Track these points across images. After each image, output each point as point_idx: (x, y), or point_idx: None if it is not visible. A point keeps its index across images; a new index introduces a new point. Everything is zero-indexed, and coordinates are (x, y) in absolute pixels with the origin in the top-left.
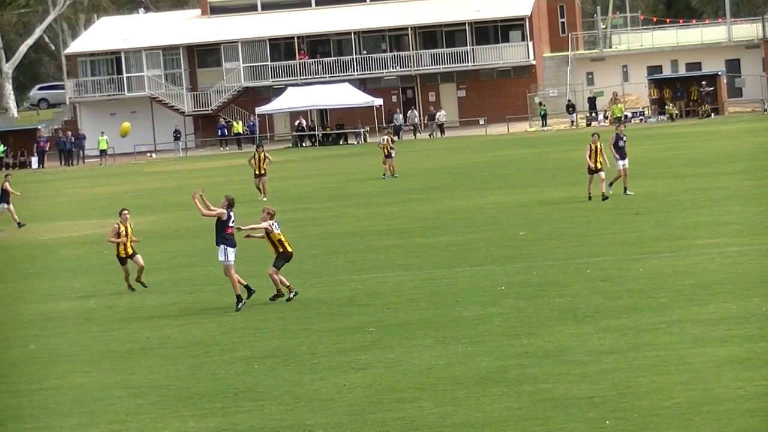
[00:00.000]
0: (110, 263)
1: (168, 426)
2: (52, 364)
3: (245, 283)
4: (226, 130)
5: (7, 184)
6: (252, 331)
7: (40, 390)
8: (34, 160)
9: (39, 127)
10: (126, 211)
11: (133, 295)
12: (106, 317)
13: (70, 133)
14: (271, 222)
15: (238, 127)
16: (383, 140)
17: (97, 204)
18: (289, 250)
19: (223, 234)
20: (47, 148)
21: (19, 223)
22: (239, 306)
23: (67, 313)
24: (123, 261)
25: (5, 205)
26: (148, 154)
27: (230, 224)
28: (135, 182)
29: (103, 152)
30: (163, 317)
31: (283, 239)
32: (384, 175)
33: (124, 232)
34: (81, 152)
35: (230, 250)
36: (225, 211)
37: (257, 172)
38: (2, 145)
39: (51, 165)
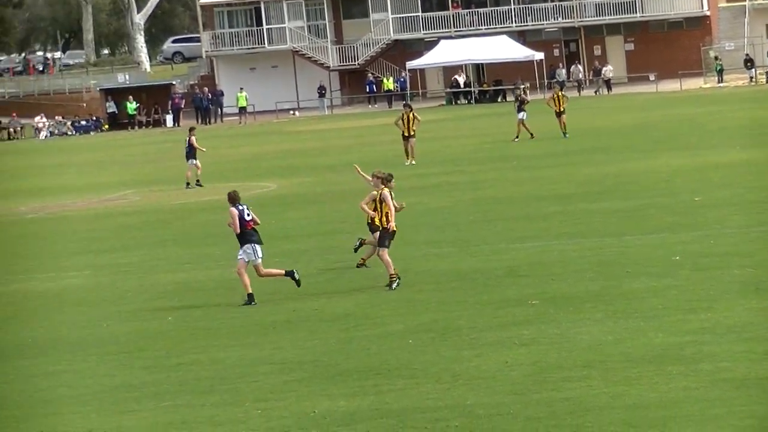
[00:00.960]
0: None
1: (316, 405)
2: (190, 337)
3: (284, 271)
4: (374, 87)
5: (193, 138)
6: (405, 304)
7: (178, 365)
8: (169, 118)
9: (173, 82)
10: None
11: (278, 264)
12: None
13: (206, 89)
14: (387, 191)
15: (388, 83)
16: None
17: (236, 165)
18: (395, 227)
19: (244, 231)
20: (182, 106)
21: (197, 182)
22: (251, 303)
23: (206, 283)
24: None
25: (193, 161)
26: (291, 112)
27: (247, 218)
28: (277, 142)
29: (242, 110)
30: (309, 288)
31: (393, 212)
32: (530, 136)
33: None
34: (218, 110)
35: (257, 246)
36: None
37: (405, 134)
38: (134, 102)
39: (187, 123)
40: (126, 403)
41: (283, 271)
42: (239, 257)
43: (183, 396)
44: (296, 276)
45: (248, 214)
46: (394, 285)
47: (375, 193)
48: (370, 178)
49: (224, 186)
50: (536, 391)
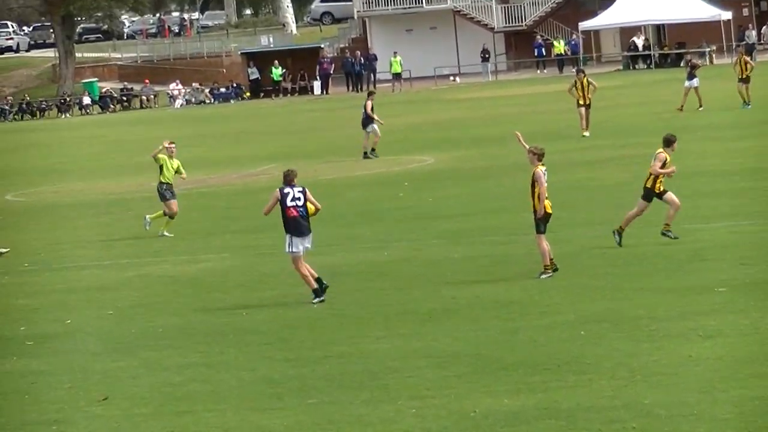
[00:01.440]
0: (405, 207)
1: (477, 403)
2: (338, 327)
3: (316, 276)
4: (543, 50)
5: (369, 103)
6: (577, 290)
7: (324, 358)
8: (317, 84)
9: (322, 46)
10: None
11: (434, 246)
12: (402, 272)
13: (358, 52)
14: (542, 169)
15: (559, 46)
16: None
17: (390, 137)
18: (549, 209)
19: (286, 218)
20: (332, 71)
21: (372, 151)
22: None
23: (356, 267)
24: None
25: (373, 126)
26: (451, 78)
27: (289, 203)
28: (435, 111)
29: (396, 76)
30: (470, 272)
31: (544, 194)
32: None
33: None
34: (371, 76)
35: (296, 239)
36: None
37: (581, 102)
38: (280, 68)
39: (336, 91)
40: (267, 399)
41: (314, 280)
42: (287, 251)
43: (330, 392)
44: (321, 294)
45: (295, 198)
46: (544, 276)
47: (664, 155)
48: (527, 148)
49: (377, 160)
50: (723, 390)
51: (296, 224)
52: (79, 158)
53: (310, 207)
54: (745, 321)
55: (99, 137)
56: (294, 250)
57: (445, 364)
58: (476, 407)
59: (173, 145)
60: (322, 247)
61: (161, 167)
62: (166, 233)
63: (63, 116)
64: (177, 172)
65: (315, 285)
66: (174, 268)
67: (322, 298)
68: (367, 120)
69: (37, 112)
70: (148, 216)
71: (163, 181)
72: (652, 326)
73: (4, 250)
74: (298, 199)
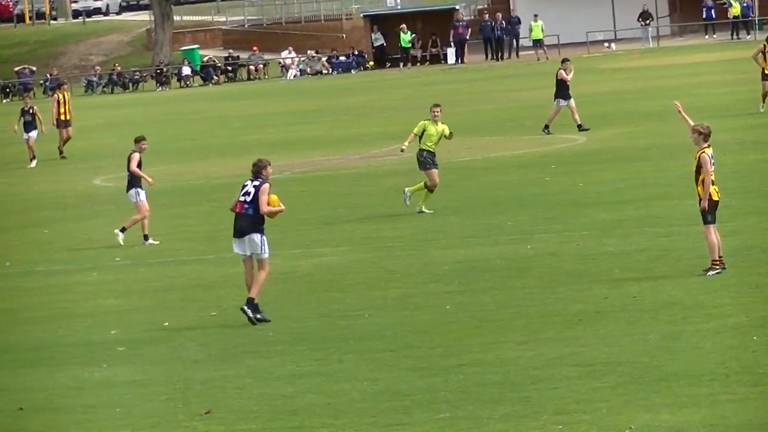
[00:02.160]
0: (551, 193)
1: (633, 418)
2: (474, 331)
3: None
4: (713, 12)
5: (562, 71)
6: (749, 290)
7: (458, 367)
8: (450, 52)
9: (457, 7)
10: None
11: (584, 239)
12: (547, 268)
13: (499, 15)
14: (709, 152)
15: (735, 8)
16: None
17: (533, 112)
18: (717, 196)
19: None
20: (467, 37)
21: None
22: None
23: (494, 262)
24: None
25: (562, 102)
26: (606, 45)
27: (240, 197)
28: (586, 83)
29: (536, 42)
30: (626, 269)
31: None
32: None
33: None
34: (513, 42)
35: (234, 240)
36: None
37: (766, 72)
38: (408, 33)
39: (473, 59)
40: (392, 414)
41: (254, 294)
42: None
43: (464, 406)
44: (251, 312)
45: (246, 193)
46: (711, 273)
47: None
48: (691, 125)
49: (519, 139)
50: None
51: (236, 222)
52: (177, 137)
53: (264, 207)
54: None
55: (200, 113)
56: (235, 250)
57: (596, 374)
58: (632, 423)
59: (438, 109)
60: (456, 239)
61: (422, 134)
62: (424, 209)
63: (159, 89)
64: (443, 138)
65: (252, 295)
66: (285, 264)
67: (249, 316)
68: (563, 89)
69: (130, 84)
70: (407, 189)
71: (423, 148)
72: None
73: (155, 242)
74: (248, 194)
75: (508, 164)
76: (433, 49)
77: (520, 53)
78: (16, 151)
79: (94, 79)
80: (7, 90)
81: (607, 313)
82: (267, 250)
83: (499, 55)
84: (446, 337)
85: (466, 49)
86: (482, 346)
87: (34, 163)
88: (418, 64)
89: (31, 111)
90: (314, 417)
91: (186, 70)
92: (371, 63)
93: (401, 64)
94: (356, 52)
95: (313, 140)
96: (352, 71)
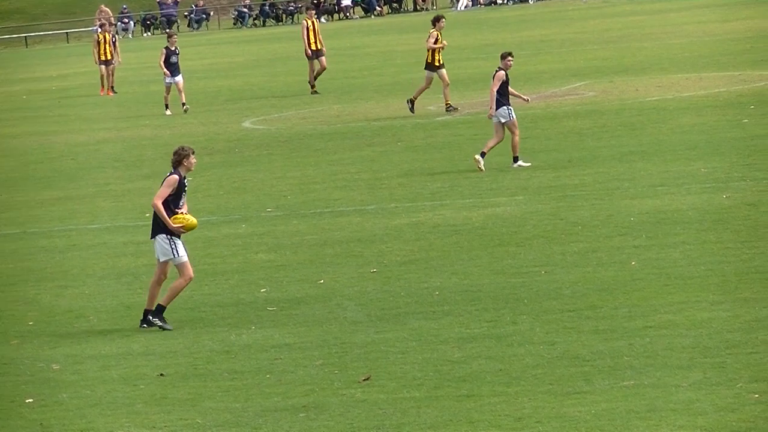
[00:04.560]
0: (750, 136)
1: None
2: (663, 290)
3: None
4: None
5: None
6: None
7: (644, 329)
8: None
9: None
10: None
11: None
12: (746, 220)
13: None
14: None
15: None
16: None
17: (733, 47)
18: None
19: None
20: None
21: None
22: (142, 325)
23: (685, 214)
24: None
25: None
26: None
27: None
28: None
29: None
30: None
31: None
32: None
33: None
34: None
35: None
36: None
37: None
38: None
39: None
40: (570, 381)
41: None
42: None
43: (651, 372)
44: (153, 318)
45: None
46: None
47: None
48: None
49: (716, 76)
50: None
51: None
52: (335, 75)
53: (156, 200)
54: None
55: (361, 48)
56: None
57: None
58: None
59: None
60: (644, 188)
61: None
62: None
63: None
64: None
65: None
66: (455, 215)
67: (159, 325)
68: None
69: (283, 16)
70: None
71: None
72: None
73: (525, 164)
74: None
75: (702, 104)
76: None
77: None
78: (162, 90)
79: (245, 10)
80: (149, 23)
81: None
82: (182, 252)
83: None
84: (631, 297)
85: None
86: (671, 306)
87: (169, 112)
88: None
89: (177, 51)
90: (485, 384)
91: (346, 1)
92: None
93: None
94: None
95: (485, 78)
96: (530, 1)
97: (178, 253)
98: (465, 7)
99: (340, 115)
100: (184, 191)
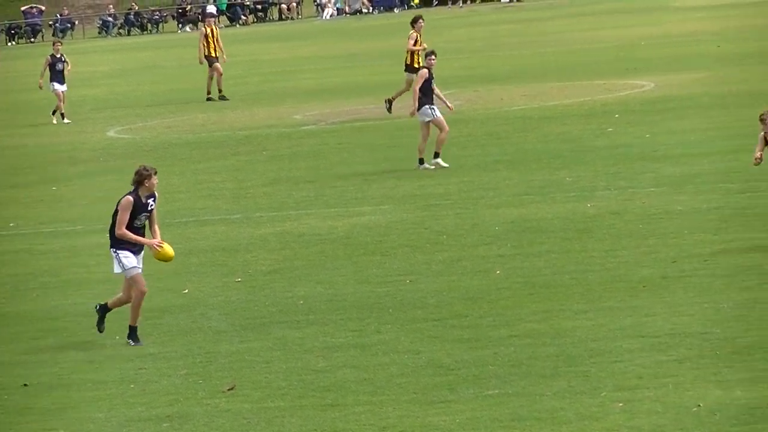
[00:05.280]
0: (615, 145)
1: (702, 395)
2: (528, 299)
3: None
4: None
5: None
6: None
7: (509, 338)
8: None
9: None
10: None
11: (651, 196)
12: (610, 229)
13: None
14: None
15: None
16: None
17: (599, 56)
18: None
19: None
20: None
21: None
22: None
23: (550, 223)
24: None
25: None
26: None
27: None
28: (657, 22)
29: None
30: (697, 229)
31: None
32: None
33: None
34: None
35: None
36: None
37: None
38: None
39: None
40: (435, 390)
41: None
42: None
43: (515, 381)
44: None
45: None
46: None
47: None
48: None
49: (586, 85)
50: None
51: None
52: (200, 84)
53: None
54: None
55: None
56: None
57: (662, 346)
58: (700, 400)
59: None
60: (509, 197)
61: None
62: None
63: (181, 30)
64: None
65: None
66: (320, 224)
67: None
68: None
69: (148, 25)
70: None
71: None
72: None
73: (444, 165)
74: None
75: (567, 113)
76: None
77: None
78: (26, 100)
79: (110, 19)
80: (13, 32)
81: (674, 279)
82: (124, 267)
83: None
84: (496, 305)
85: None
86: (536, 315)
87: (60, 120)
88: (469, 1)
89: (63, 59)
90: (349, 393)
91: (211, 9)
92: (416, 1)
93: (450, 2)
94: None
95: (351, 87)
96: (396, 10)
97: (123, 266)
98: (330, 16)
99: (206, 124)
100: (145, 212)
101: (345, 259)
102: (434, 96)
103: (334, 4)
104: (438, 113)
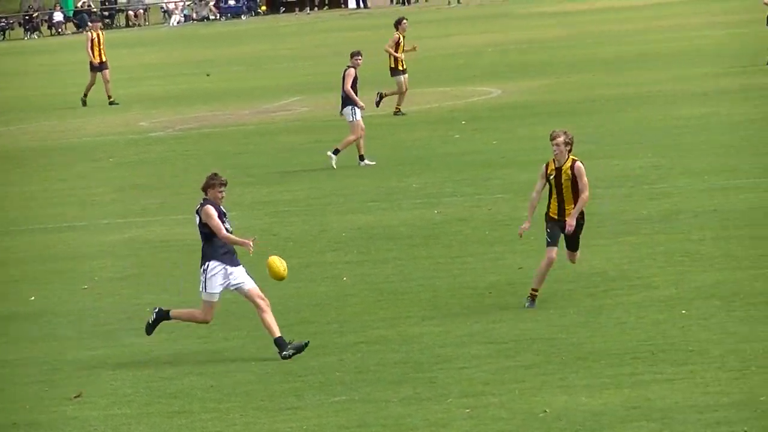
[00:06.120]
0: (462, 152)
1: (548, 401)
2: (375, 306)
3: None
4: None
5: None
6: (679, 259)
7: (356, 345)
8: None
9: None
10: None
11: (498, 203)
12: (456, 236)
13: None
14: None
15: None
16: None
17: (445, 63)
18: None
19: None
20: None
21: None
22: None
23: (397, 230)
24: None
25: None
26: None
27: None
28: (503, 29)
29: None
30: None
31: None
32: None
33: None
34: None
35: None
36: None
37: None
38: None
39: (377, 2)
40: (282, 397)
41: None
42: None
43: (361, 387)
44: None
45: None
46: (528, 305)
47: None
48: None
49: (429, 93)
50: None
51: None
52: (47, 91)
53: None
54: None
55: (73, 64)
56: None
57: (509, 352)
58: (547, 406)
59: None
60: (357, 203)
61: None
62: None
63: (28, 37)
64: None
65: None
66: (168, 231)
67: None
68: None
69: None
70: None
71: None
72: None
73: (371, 163)
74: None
75: (414, 120)
76: None
77: None
78: None
79: None
80: None
81: (521, 285)
82: (211, 289)
83: None
84: (343, 312)
85: None
86: (383, 321)
87: None
88: (316, 8)
89: None
90: (196, 401)
91: (58, 16)
92: (264, 8)
93: (297, 9)
94: None
95: (198, 94)
96: (243, 17)
97: (205, 289)
98: (177, 23)
99: (53, 131)
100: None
101: (191, 265)
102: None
103: (182, 11)
104: (359, 116)
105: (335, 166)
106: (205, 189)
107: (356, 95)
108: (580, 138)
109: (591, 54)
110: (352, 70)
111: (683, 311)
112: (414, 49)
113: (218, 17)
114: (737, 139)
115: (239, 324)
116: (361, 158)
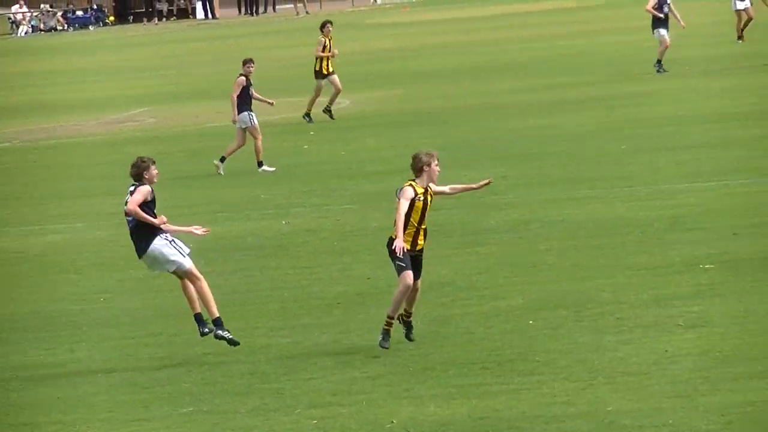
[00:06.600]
0: (310, 162)
1: (395, 411)
2: (223, 316)
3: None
4: None
5: None
6: (527, 269)
7: (204, 355)
8: (199, 6)
9: None
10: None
11: (346, 213)
12: (305, 246)
13: None
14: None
15: None
16: None
17: (292, 72)
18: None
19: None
20: None
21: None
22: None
23: (245, 240)
24: None
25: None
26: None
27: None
28: (350, 40)
29: None
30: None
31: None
32: None
33: None
34: None
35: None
36: None
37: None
38: None
39: (225, 13)
40: (129, 408)
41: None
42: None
43: (209, 399)
44: (225, 333)
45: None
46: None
47: None
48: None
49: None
50: (706, 393)
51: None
52: None
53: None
54: (738, 306)
55: None
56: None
57: (356, 363)
58: (394, 416)
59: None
60: (204, 214)
61: None
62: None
63: None
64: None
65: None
66: (16, 242)
67: (228, 338)
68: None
69: None
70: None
71: None
72: (620, 314)
73: (270, 169)
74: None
75: (263, 131)
76: (182, 2)
77: (277, 7)
78: None
79: None
80: None
81: (369, 296)
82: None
83: (254, 9)
84: (190, 324)
85: (217, 3)
86: (231, 332)
87: None
88: (165, 19)
89: None
90: (40, 413)
91: None
92: (112, 18)
93: (145, 20)
94: (95, 6)
95: (46, 104)
96: (91, 27)
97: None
98: (25, 33)
99: None
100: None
101: (39, 277)
102: (252, 101)
103: (29, 21)
104: (255, 121)
105: (271, 169)
106: (138, 175)
107: (250, 102)
108: (429, 147)
109: (437, 65)
110: (242, 78)
111: (531, 321)
112: (333, 54)
113: (66, 28)
114: (585, 150)
115: (85, 335)
116: (260, 164)
